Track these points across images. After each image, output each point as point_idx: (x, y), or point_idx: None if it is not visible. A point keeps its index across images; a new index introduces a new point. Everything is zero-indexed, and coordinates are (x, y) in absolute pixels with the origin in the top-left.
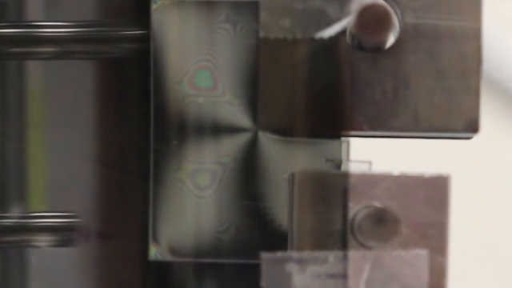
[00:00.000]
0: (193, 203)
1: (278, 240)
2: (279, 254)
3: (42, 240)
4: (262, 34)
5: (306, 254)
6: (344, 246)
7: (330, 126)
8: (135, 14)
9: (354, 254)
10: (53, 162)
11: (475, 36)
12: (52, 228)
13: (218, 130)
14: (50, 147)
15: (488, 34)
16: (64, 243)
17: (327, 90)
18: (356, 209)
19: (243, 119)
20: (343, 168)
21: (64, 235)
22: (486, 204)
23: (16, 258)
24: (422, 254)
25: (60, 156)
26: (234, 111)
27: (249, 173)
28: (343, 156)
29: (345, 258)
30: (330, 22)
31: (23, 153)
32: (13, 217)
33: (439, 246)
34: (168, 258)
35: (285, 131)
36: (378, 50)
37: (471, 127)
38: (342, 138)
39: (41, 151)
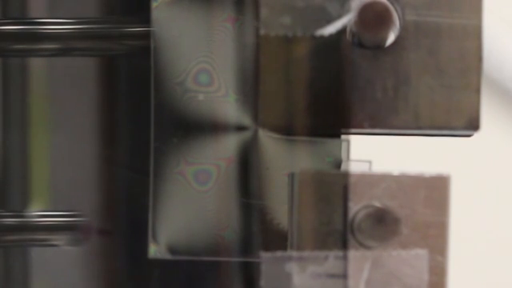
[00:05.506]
0: (192, 202)
1: (277, 239)
2: (279, 254)
3: (46, 239)
4: (262, 32)
5: (305, 253)
6: (344, 246)
7: (331, 125)
8: (137, 10)
9: (353, 254)
10: (55, 161)
11: (476, 33)
12: (57, 227)
13: (218, 128)
14: (53, 146)
15: (488, 33)
16: (70, 242)
17: (327, 88)
18: (356, 209)
19: (243, 117)
20: (343, 167)
21: (69, 234)
22: (486, 204)
23: (18, 255)
24: (422, 253)
25: (62, 155)
26: (234, 109)
27: (248, 171)
28: (343, 155)
29: (345, 257)
30: (330, 20)
31: (26, 152)
32: (16, 216)
33: (439, 245)
34: (167, 256)
35: (285, 129)
36: (379, 47)
37: (472, 125)
38: (343, 137)
39: (43, 150)
